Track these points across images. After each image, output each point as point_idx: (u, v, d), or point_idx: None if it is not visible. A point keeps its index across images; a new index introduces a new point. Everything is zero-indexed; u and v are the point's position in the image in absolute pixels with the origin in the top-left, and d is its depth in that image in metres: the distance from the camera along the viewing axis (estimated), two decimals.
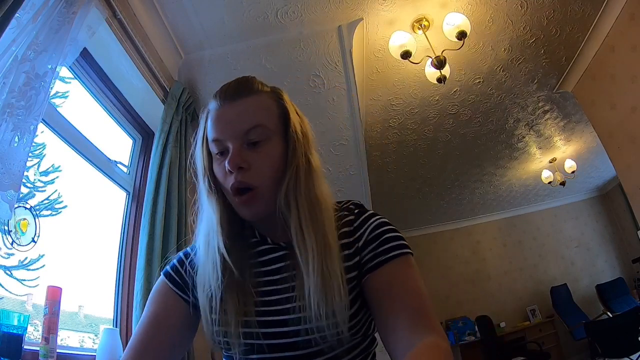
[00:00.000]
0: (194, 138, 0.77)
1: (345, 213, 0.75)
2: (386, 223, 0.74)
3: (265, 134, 0.69)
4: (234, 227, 0.73)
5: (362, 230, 0.72)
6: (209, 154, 0.73)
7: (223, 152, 0.70)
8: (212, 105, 0.73)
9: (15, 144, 1.00)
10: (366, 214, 0.75)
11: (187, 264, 0.78)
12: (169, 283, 0.77)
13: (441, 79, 2.48)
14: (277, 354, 0.68)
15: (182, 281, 0.76)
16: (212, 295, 0.69)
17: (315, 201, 0.69)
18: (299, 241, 0.67)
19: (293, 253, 0.68)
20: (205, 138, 0.74)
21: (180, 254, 0.81)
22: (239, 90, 0.72)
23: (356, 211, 0.76)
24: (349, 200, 0.79)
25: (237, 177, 0.67)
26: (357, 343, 0.70)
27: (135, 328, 0.75)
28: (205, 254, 0.72)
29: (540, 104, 3.62)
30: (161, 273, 0.80)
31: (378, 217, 0.75)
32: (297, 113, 0.76)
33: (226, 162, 0.68)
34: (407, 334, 0.61)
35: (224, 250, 0.68)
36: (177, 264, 0.79)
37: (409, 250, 0.71)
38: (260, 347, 0.68)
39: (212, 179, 0.72)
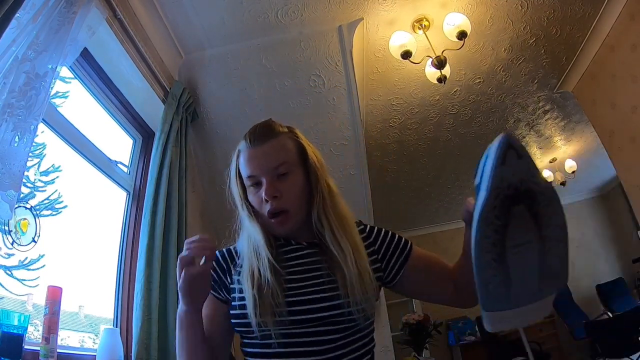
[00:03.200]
0: (227, 174, 0.94)
1: (361, 227, 0.96)
2: (387, 230, 0.97)
3: (289, 168, 0.88)
4: (270, 239, 0.89)
5: (374, 238, 0.95)
6: (243, 186, 0.91)
7: (257, 184, 0.88)
8: (243, 147, 0.90)
9: (16, 144, 1.00)
10: (370, 226, 0.98)
11: (229, 263, 0.92)
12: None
13: (441, 79, 2.48)
14: (300, 328, 0.81)
15: (215, 282, 0.90)
16: (254, 294, 0.81)
17: (341, 216, 0.90)
18: (335, 246, 0.85)
19: (321, 251, 0.87)
20: (238, 174, 0.91)
21: (218, 253, 0.94)
22: (264, 134, 0.89)
23: (365, 225, 0.98)
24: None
25: (273, 204, 0.85)
26: (369, 331, 0.88)
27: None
28: (254, 261, 0.85)
29: (540, 104, 3.61)
30: None
31: (380, 227, 0.98)
32: (310, 146, 0.94)
33: (262, 193, 0.85)
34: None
35: (272, 259, 0.84)
36: (215, 264, 0.91)
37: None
38: (283, 321, 0.80)
39: (249, 207, 0.90)
